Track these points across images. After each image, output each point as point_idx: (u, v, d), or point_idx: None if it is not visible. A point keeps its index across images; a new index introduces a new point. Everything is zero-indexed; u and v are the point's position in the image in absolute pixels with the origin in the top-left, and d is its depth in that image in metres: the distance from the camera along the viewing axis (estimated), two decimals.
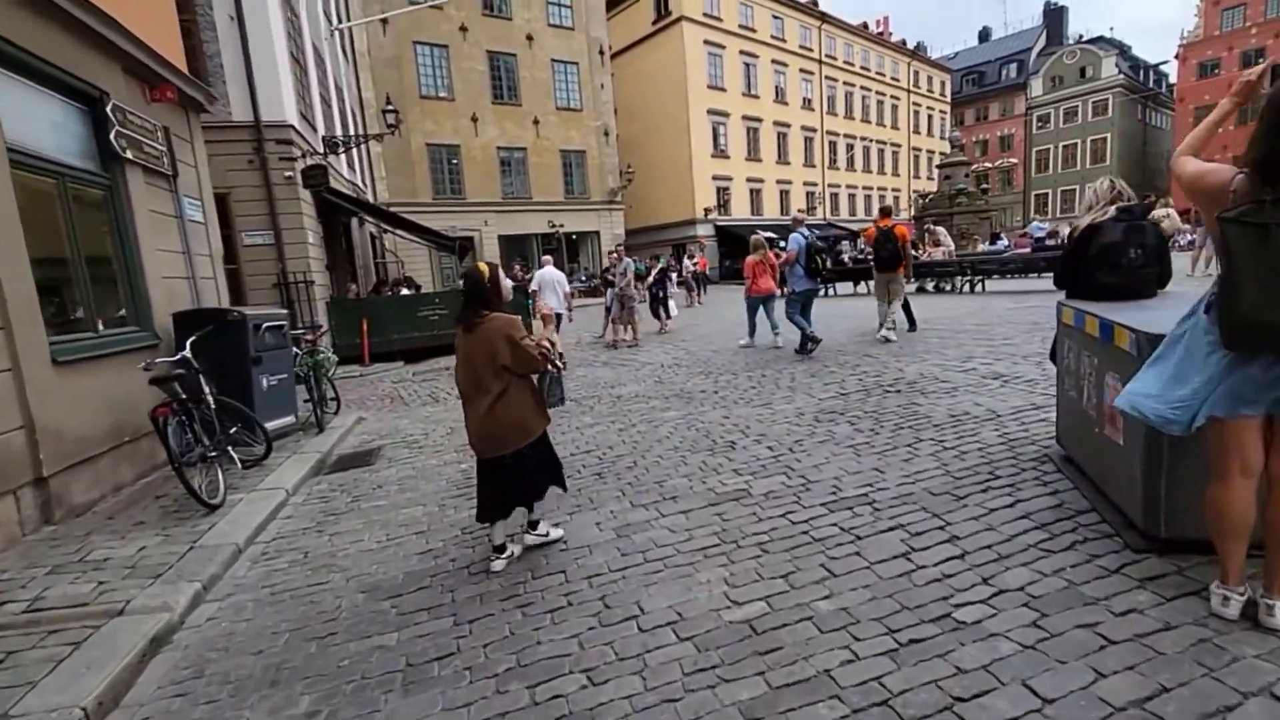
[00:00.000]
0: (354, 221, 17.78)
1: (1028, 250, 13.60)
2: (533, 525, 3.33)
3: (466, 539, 3.57)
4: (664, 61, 31.16)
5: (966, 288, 13.69)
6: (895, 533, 2.99)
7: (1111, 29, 68.44)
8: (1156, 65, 51.98)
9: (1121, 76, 47.45)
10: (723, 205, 32.72)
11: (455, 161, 24.59)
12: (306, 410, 6.70)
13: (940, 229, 14.61)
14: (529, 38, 25.38)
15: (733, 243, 30.71)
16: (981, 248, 16.33)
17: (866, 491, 3.52)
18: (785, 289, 8.63)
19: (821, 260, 8.02)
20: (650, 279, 13.14)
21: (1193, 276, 12.15)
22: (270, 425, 5.79)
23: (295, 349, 7.42)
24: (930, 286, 14.62)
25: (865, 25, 42.63)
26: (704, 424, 5.35)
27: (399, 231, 18.14)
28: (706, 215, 31.58)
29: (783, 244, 24.82)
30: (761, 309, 8.99)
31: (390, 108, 14.99)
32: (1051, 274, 12.94)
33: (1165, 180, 49.40)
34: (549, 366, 3.16)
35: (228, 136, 11.02)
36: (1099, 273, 3.27)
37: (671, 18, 30.50)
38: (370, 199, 21.55)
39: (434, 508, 4.16)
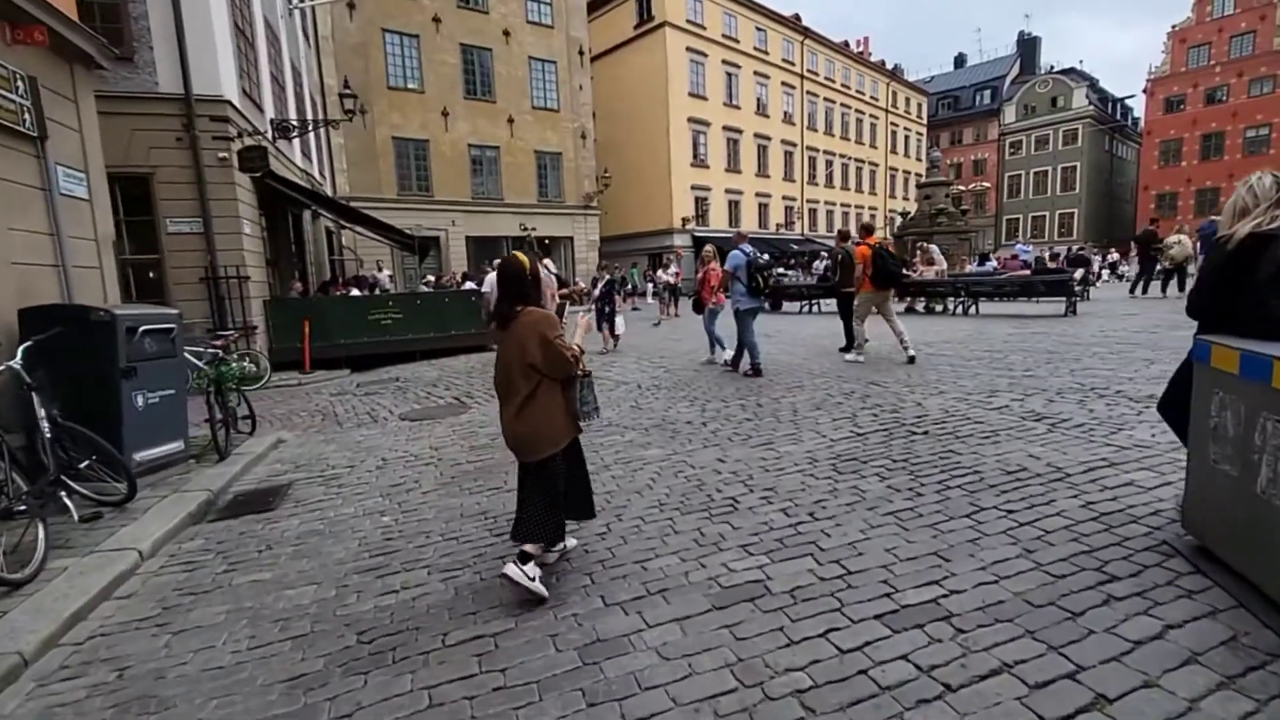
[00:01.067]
0: (306, 215, 16.41)
1: (1025, 272, 12.98)
2: (523, 558, 2.73)
3: (360, 654, 2.45)
4: (645, 66, 30.39)
5: (959, 309, 12.99)
6: (1003, 680, 1.98)
7: (1081, 61, 71.14)
8: (1123, 99, 53.31)
9: (1091, 108, 48.43)
10: (701, 216, 31.97)
11: (423, 157, 23.27)
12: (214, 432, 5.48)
13: (933, 247, 13.93)
14: (506, 33, 24.29)
15: None
16: (969, 268, 15.76)
17: (935, 595, 2.51)
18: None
19: (765, 278, 7.76)
20: (596, 292, 11.98)
21: None
22: (146, 455, 4.59)
23: (215, 352, 6.24)
24: (920, 306, 13.92)
25: (846, 44, 42.64)
26: (694, 469, 4.32)
27: (357, 227, 16.83)
28: (684, 225, 30.77)
29: (765, 258, 24.05)
30: (711, 321, 8.62)
31: (349, 91, 13.73)
32: (1053, 298, 12.43)
33: (1130, 211, 50.60)
34: (581, 371, 2.86)
35: (153, 109, 9.70)
36: (1275, 299, 2.34)
37: (654, 22, 29.75)
38: (329, 192, 20.17)
39: (331, 590, 3.03)
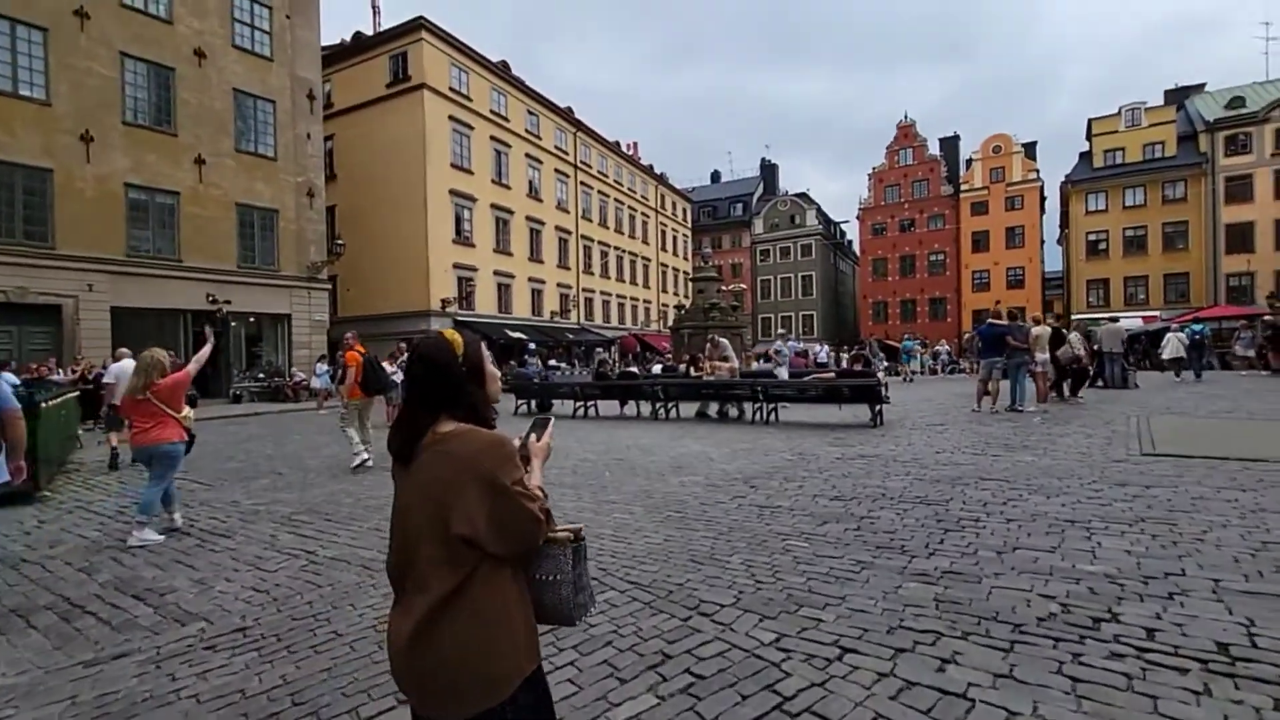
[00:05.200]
0: None
1: (830, 375, 11.29)
2: None
3: None
4: (400, 131, 26.59)
5: (758, 416, 10.79)
6: None
7: (809, 189, 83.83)
8: (840, 223, 63.25)
9: (821, 227, 56.19)
10: (465, 298, 28.09)
11: (39, 192, 16.11)
12: None
13: (724, 340, 11.89)
14: (199, 53, 18.79)
15: None
16: (755, 365, 14.20)
17: None
18: None
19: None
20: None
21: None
22: None
23: None
24: (713, 412, 11.56)
25: (618, 143, 43.79)
26: None
27: None
28: (444, 308, 26.54)
29: (531, 346, 20.45)
30: None
31: None
32: (857, 401, 10.81)
33: (853, 315, 58.77)
34: (565, 535, 1.44)
35: None
36: None
37: (410, 83, 26.40)
38: None
39: None
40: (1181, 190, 38.61)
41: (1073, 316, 39.77)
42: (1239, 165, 37.00)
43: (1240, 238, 36.80)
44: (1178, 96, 41.95)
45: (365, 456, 7.92)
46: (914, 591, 3.39)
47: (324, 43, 25.34)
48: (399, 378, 11.74)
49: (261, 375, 20.63)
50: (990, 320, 10.81)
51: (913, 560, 3.86)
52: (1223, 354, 23.36)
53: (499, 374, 1.59)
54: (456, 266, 27.60)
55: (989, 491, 5.39)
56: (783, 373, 11.62)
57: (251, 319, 20.78)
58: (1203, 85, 42.24)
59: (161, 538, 5.09)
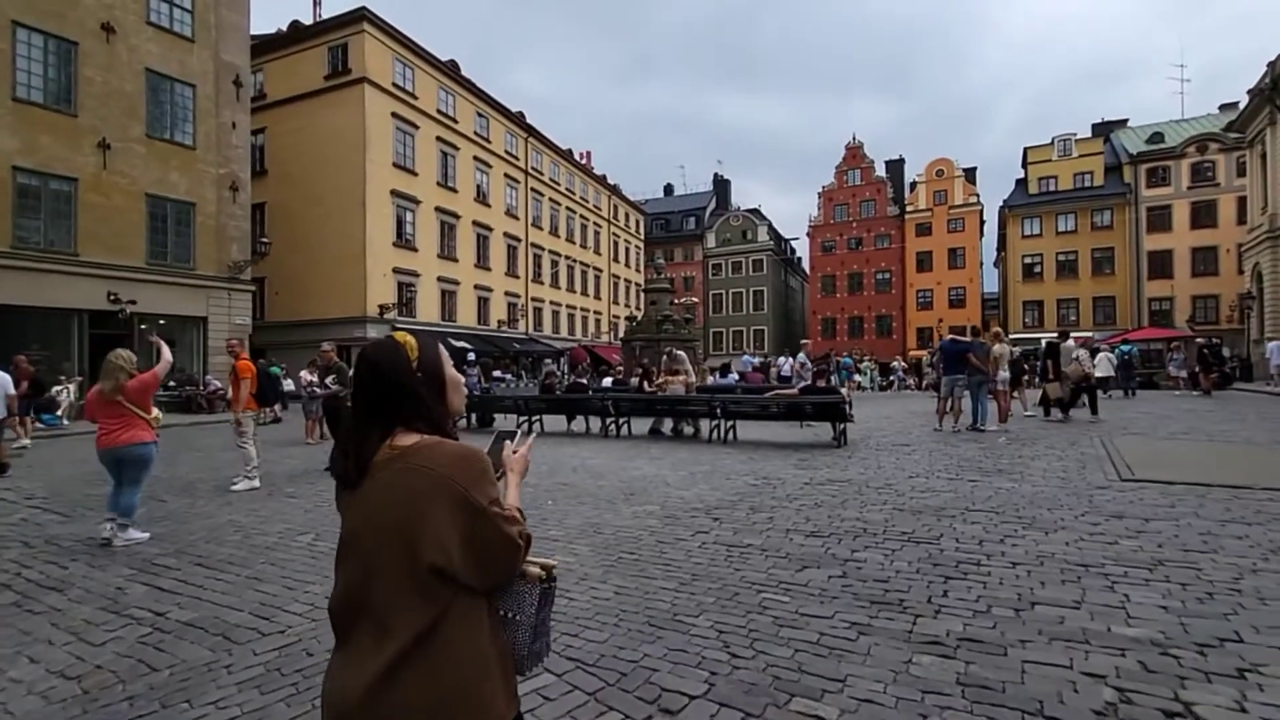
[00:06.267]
0: None
1: (793, 392, 10.58)
2: None
3: None
4: (339, 126, 25.07)
5: (714, 434, 10.09)
6: None
7: (760, 205, 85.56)
8: (790, 240, 64.14)
9: (771, 243, 56.75)
10: (405, 304, 26.60)
11: None
12: None
13: (681, 353, 11.17)
14: (107, 28, 17.04)
15: None
16: (711, 380, 13.57)
17: None
18: None
19: None
20: None
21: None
22: None
23: None
24: (667, 429, 10.82)
25: (570, 152, 43.02)
26: None
27: None
28: (382, 314, 25.00)
29: (471, 356, 19.34)
30: None
31: None
32: (820, 420, 10.27)
33: (801, 330, 59.49)
34: (537, 571, 1.28)
35: None
36: None
37: (351, 76, 24.98)
38: None
39: None
40: (1109, 218, 40.64)
41: (1010, 337, 41.17)
42: (1159, 197, 39.24)
43: (1161, 264, 38.96)
44: (1104, 129, 44.35)
45: (257, 476, 7.56)
46: (930, 669, 2.69)
47: (258, 31, 23.82)
48: (317, 390, 10.56)
49: (172, 384, 18.72)
50: (953, 337, 10.51)
51: (918, 621, 3.17)
52: (1150, 374, 24.31)
53: (462, 380, 1.40)
54: (397, 271, 26.14)
55: (979, 526, 4.81)
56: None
57: (161, 321, 18.86)
58: (1125, 120, 44.81)
59: (147, 535, 5.17)
